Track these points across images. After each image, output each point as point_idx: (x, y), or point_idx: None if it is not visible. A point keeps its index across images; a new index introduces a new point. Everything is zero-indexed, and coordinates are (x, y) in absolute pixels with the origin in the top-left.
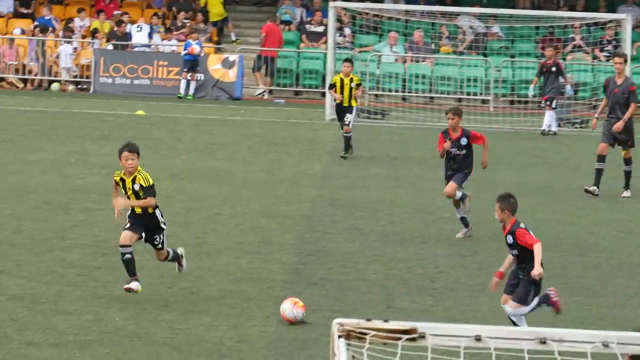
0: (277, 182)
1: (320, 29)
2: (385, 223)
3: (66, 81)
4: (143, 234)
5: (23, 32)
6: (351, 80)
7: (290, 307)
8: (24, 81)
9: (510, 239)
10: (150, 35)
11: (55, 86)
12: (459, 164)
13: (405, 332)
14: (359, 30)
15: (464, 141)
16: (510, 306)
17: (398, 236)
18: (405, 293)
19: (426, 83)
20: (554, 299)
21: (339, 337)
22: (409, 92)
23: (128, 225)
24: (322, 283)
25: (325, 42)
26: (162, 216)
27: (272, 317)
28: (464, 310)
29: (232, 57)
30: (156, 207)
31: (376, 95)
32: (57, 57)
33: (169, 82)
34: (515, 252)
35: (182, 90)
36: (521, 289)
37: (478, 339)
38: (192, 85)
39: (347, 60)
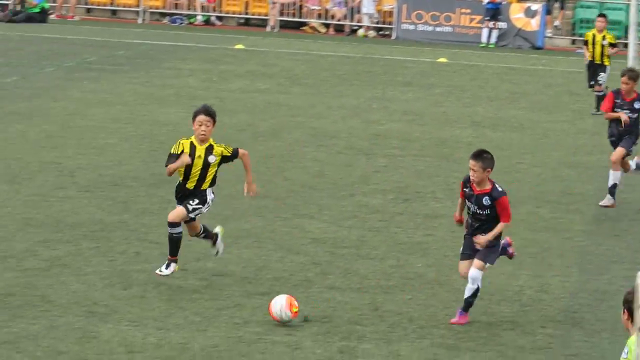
0: (579, 133)
1: None
2: None
3: (368, 27)
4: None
5: None
6: (603, 38)
7: (282, 306)
8: (326, 26)
9: (487, 201)
10: None
11: (361, 32)
12: (628, 126)
13: None
14: None
15: (637, 105)
16: (478, 267)
17: None
18: None
19: None
20: (510, 251)
21: None
22: None
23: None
24: (623, 235)
25: None
26: (212, 193)
27: (573, 267)
28: None
29: (535, 6)
30: (213, 183)
31: None
32: (360, 2)
33: (471, 30)
34: (486, 212)
35: (484, 39)
36: (492, 253)
37: None
38: (494, 33)
39: (601, 15)
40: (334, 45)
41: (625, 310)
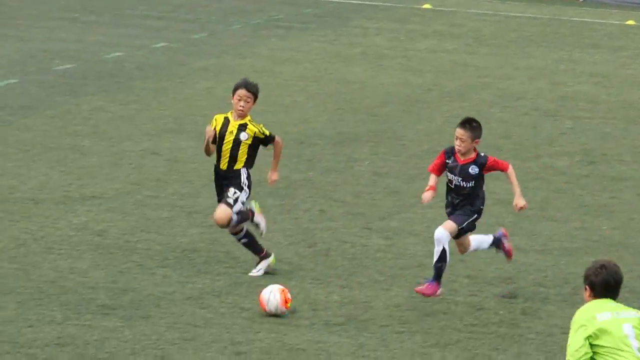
0: None
1: None
2: None
3: None
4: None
5: None
6: None
7: (278, 303)
8: None
9: (474, 169)
10: None
11: None
12: None
13: None
14: None
15: None
16: (446, 227)
17: None
18: None
19: None
20: (506, 246)
21: None
22: None
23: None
24: None
25: None
26: (247, 178)
27: None
28: None
29: None
30: (249, 164)
31: None
32: None
33: None
34: (470, 184)
35: None
36: (461, 216)
37: None
38: None
39: None
40: (522, 7)
41: (586, 287)
